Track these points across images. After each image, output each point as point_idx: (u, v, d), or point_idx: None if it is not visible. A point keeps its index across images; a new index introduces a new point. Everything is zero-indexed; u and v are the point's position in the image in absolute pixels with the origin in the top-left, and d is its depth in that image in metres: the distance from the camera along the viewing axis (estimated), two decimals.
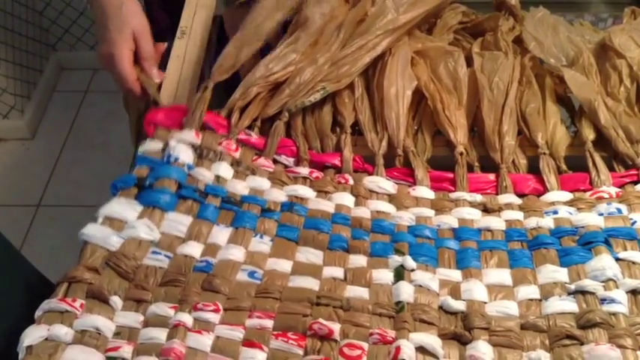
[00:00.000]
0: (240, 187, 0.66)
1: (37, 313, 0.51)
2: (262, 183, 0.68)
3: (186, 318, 0.53)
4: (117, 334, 0.52)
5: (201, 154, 0.68)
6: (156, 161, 0.66)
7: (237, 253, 0.59)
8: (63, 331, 0.50)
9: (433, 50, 0.81)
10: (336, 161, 0.71)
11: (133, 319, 0.53)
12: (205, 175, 0.66)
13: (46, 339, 0.50)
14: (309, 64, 0.76)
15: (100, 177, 1.81)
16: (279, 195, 0.66)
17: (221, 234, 0.61)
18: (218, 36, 0.91)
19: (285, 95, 0.75)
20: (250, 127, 0.73)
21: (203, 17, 0.88)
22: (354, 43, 0.77)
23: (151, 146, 0.68)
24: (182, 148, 0.67)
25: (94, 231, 0.59)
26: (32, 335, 0.49)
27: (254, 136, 0.72)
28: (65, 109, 2.04)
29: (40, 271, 0.79)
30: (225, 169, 0.67)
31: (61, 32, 2.07)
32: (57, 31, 2.07)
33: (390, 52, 0.79)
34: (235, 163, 0.69)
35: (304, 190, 0.67)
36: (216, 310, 0.54)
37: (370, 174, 0.70)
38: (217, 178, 0.67)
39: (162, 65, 0.80)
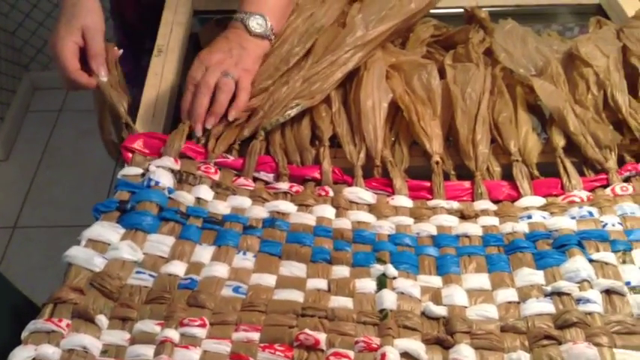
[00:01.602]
0: (222, 207, 0.67)
1: (24, 334, 0.51)
2: (243, 201, 0.68)
3: (173, 334, 0.53)
4: (104, 352, 0.52)
5: (181, 179, 0.69)
6: (136, 185, 0.67)
7: (221, 270, 0.60)
8: (50, 351, 0.50)
9: (407, 64, 0.83)
10: (316, 174, 0.72)
11: (119, 337, 0.53)
12: (186, 198, 0.67)
13: (34, 359, 0.50)
14: (282, 85, 0.78)
15: (76, 196, 1.81)
16: (260, 211, 0.67)
17: (204, 252, 0.62)
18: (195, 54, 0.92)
19: (260, 117, 0.76)
20: (228, 151, 0.74)
21: (180, 35, 0.90)
22: (324, 60, 0.79)
23: (130, 171, 0.69)
24: (162, 172, 0.68)
25: (77, 253, 0.59)
26: (20, 356, 0.49)
27: (231, 158, 0.73)
28: (39, 129, 2.02)
29: None
30: (205, 192, 0.68)
31: (34, 52, 2.06)
32: (30, 51, 2.06)
33: (365, 67, 0.81)
34: (215, 185, 0.70)
35: (285, 205, 0.68)
36: (203, 325, 0.54)
37: (349, 185, 0.71)
38: (198, 200, 0.67)
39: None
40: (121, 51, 0.79)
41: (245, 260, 0.62)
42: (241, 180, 0.71)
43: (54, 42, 0.74)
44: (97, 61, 0.75)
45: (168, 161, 0.70)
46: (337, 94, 0.80)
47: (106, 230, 0.62)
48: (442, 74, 0.81)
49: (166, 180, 0.67)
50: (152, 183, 0.67)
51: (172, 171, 0.69)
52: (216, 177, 0.71)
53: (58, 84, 2.25)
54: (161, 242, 0.62)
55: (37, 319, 0.53)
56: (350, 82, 0.81)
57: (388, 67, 0.82)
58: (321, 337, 0.53)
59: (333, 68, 0.79)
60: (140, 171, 0.69)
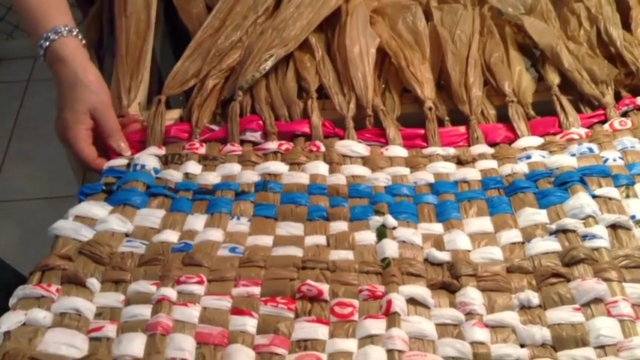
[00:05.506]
0: (211, 178, 0.65)
1: (12, 301, 0.49)
2: (232, 168, 0.66)
3: (170, 292, 0.51)
4: (98, 315, 0.50)
5: (167, 161, 0.67)
6: (122, 171, 0.65)
7: (215, 234, 0.58)
8: (41, 315, 0.48)
9: (390, 7, 0.80)
10: (305, 128, 0.69)
11: (113, 298, 0.51)
12: (174, 175, 0.65)
13: (24, 324, 0.48)
14: (256, 38, 0.75)
15: (52, 167, 1.75)
16: (251, 176, 0.65)
17: (197, 221, 0.60)
18: (165, 14, 0.88)
19: (237, 76, 0.73)
20: (213, 118, 0.71)
21: None
22: (290, 4, 0.76)
23: (115, 163, 0.66)
24: (147, 157, 0.66)
25: (64, 224, 0.57)
26: (9, 321, 0.47)
27: (216, 128, 0.70)
28: (8, 100, 1.96)
29: None
30: (193, 166, 0.66)
31: None
32: None
33: (347, 12, 0.78)
34: (202, 159, 0.67)
35: (276, 166, 0.66)
36: (201, 282, 0.52)
37: (341, 138, 0.69)
38: (186, 175, 0.65)
39: None
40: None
41: (240, 225, 0.60)
42: (228, 146, 0.68)
43: (63, 132, 0.69)
44: (116, 140, 0.69)
45: (153, 150, 0.68)
46: (319, 42, 0.77)
47: (93, 207, 0.60)
48: (427, 17, 0.79)
49: (152, 162, 0.65)
50: (138, 167, 0.65)
51: (158, 156, 0.67)
52: (203, 150, 0.68)
53: (25, 53, 2.16)
54: (151, 215, 0.60)
55: (25, 285, 0.50)
56: (332, 30, 0.78)
57: (371, 12, 0.79)
58: (324, 287, 0.52)
59: (300, 9, 0.75)
60: (125, 161, 0.66)
